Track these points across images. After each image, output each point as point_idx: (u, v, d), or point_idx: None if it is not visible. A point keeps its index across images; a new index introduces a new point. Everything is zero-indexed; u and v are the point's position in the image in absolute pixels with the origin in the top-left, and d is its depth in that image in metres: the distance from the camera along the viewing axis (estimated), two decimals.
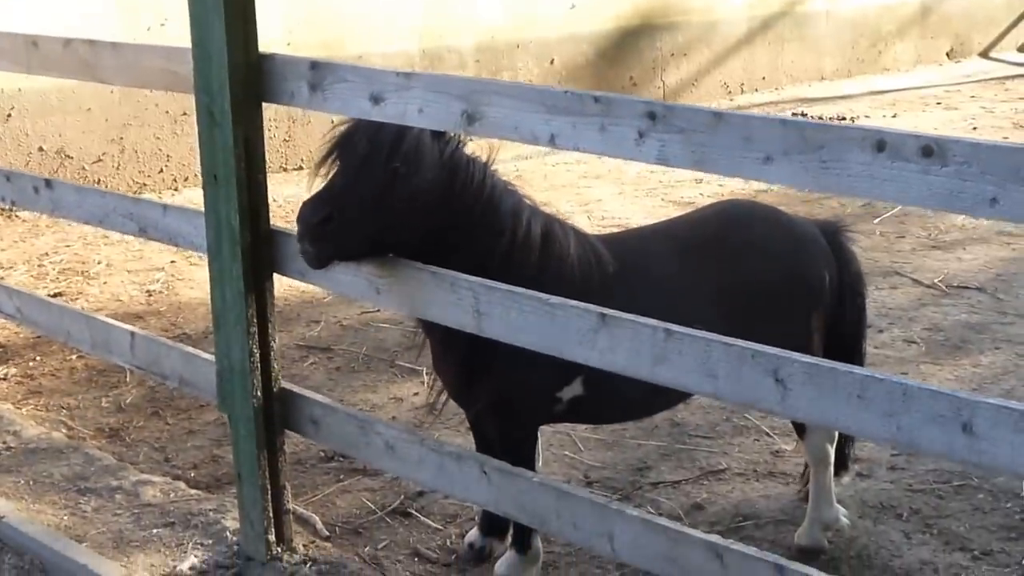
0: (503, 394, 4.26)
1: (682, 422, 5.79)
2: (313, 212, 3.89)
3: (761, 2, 14.84)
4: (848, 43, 15.99)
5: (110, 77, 5.02)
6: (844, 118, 13.21)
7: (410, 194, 3.90)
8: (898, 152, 2.86)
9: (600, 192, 10.27)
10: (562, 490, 3.82)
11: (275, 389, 4.43)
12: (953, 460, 3.38)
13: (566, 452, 5.54)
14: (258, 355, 4.35)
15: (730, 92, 14.59)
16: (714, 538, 3.52)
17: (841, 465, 4.91)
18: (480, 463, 4.01)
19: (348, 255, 3.98)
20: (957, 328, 7.00)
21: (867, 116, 13.28)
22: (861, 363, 4.77)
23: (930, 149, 2.78)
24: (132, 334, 5.03)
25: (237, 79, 4.12)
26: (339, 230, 3.88)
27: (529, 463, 4.32)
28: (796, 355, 3.17)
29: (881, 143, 2.88)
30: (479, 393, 4.31)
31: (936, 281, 7.80)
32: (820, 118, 13.13)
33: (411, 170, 3.90)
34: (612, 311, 3.49)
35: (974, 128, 12.58)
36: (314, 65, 4.05)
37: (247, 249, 4.24)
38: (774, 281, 4.46)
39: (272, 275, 4.36)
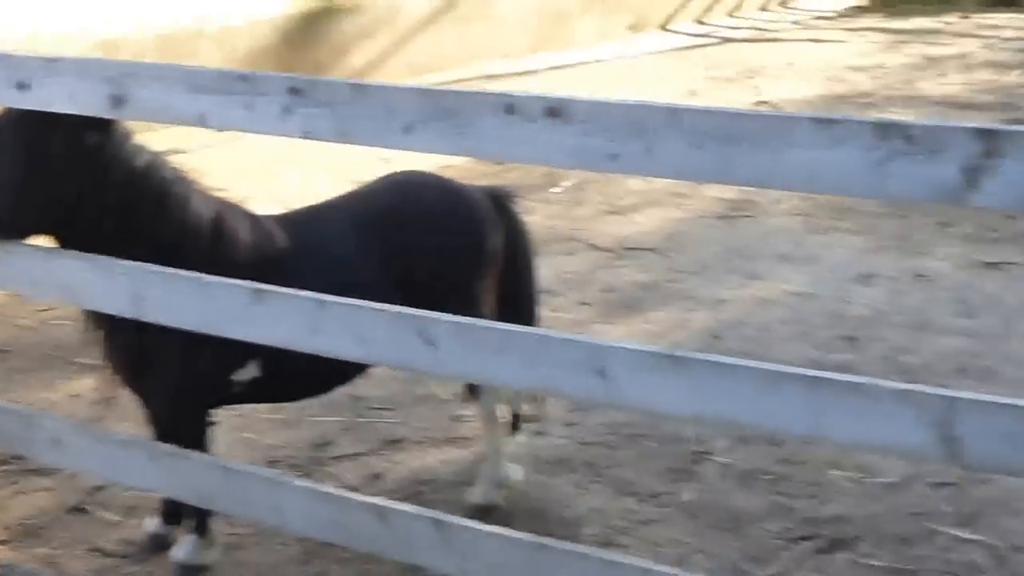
0: (174, 380, 4.26)
1: (363, 395, 5.87)
2: None
3: None
4: (532, 20, 16.31)
5: None
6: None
7: (13, 181, 3.85)
8: (526, 114, 2.97)
9: (290, 175, 10.24)
10: (229, 467, 3.86)
11: None
12: (594, 403, 3.55)
13: (246, 434, 5.55)
14: None
15: (417, 72, 14.72)
16: (377, 500, 3.62)
17: (515, 424, 5.06)
18: (147, 448, 4.01)
19: None
20: (630, 288, 7.30)
21: (549, 91, 13.58)
22: (536, 324, 4.93)
23: (555, 109, 2.90)
24: None
25: None
26: None
27: (202, 447, 4.33)
28: (442, 315, 3.27)
29: (510, 106, 2.98)
30: (151, 380, 4.30)
31: (612, 244, 8.10)
32: None
33: (23, 159, 3.86)
34: (266, 286, 3.53)
35: (653, 97, 13.02)
36: None
37: None
38: (443, 249, 4.55)
39: None
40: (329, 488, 3.75)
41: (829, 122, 2.58)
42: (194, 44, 12.50)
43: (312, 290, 3.54)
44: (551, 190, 9.32)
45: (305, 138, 3.36)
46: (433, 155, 3.21)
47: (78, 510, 5.03)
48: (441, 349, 3.25)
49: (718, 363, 2.87)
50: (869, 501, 4.86)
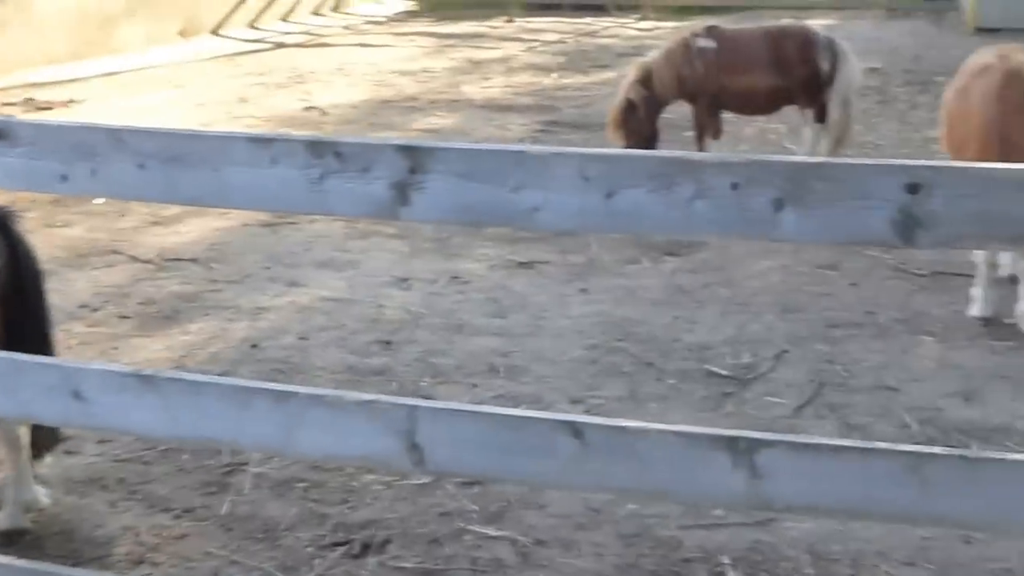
0: None
1: None
2: None
3: None
4: (75, 26, 15.91)
5: None
6: (73, 101, 13.18)
7: None
8: None
9: None
10: None
11: None
12: (72, 426, 3.54)
13: None
14: None
15: None
16: None
17: (42, 445, 4.93)
18: None
19: None
20: (170, 300, 7.25)
21: (94, 98, 13.31)
22: (51, 345, 4.82)
23: (1, 132, 2.87)
24: None
25: None
26: None
27: None
28: None
29: None
30: None
31: (153, 256, 8.02)
32: (49, 103, 13.04)
33: None
34: None
35: (200, 105, 12.95)
36: None
37: None
38: None
39: None
40: None
41: (265, 141, 2.67)
42: None
43: None
44: (94, 201, 9.12)
45: None
46: None
47: None
48: None
49: (188, 381, 2.92)
50: (400, 503, 4.99)
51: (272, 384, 2.89)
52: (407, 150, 2.56)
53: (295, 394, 2.82)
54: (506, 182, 2.52)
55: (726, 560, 4.56)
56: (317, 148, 2.61)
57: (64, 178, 2.83)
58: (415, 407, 2.75)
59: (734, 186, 2.40)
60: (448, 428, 2.73)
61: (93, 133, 2.79)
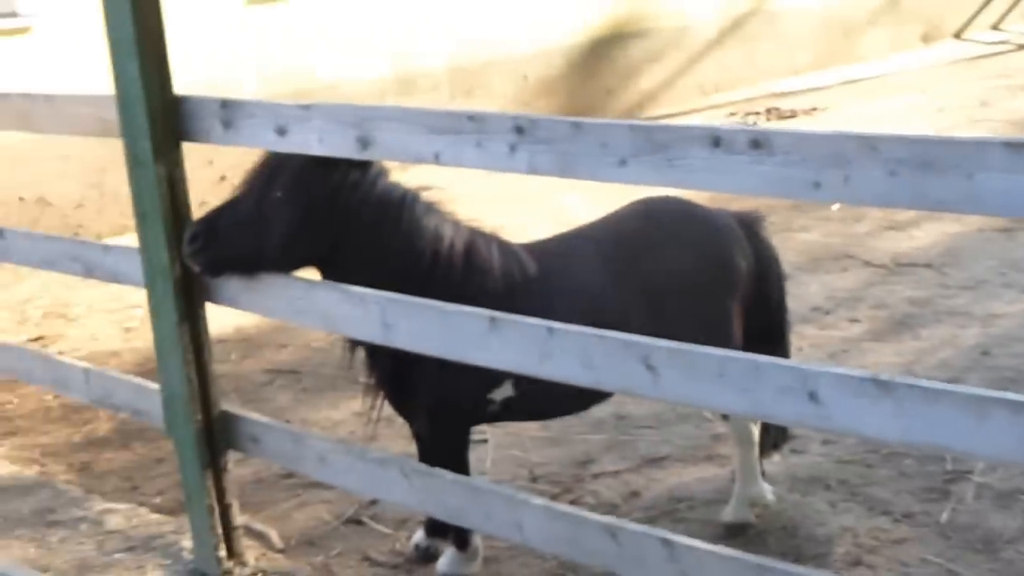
0: (435, 400, 4.48)
1: (627, 415, 6.02)
2: (189, 228, 4.28)
3: (730, 3, 15.08)
4: (820, 36, 16.22)
5: (45, 126, 5.25)
6: (816, 109, 13.44)
7: (287, 219, 4.14)
8: (731, 146, 3.06)
9: (570, 200, 10.44)
10: (474, 485, 4.05)
11: (215, 412, 4.65)
12: (805, 427, 3.61)
13: (513, 452, 5.76)
14: (196, 381, 4.57)
15: (705, 93, 14.82)
16: (608, 519, 3.73)
17: (770, 443, 5.11)
18: (402, 466, 4.23)
19: (226, 268, 4.32)
20: (901, 305, 7.23)
21: (836, 106, 13.49)
22: (786, 347, 4.97)
23: (758, 141, 3.00)
24: (85, 371, 5.27)
25: (156, 121, 4.32)
26: (207, 246, 4.24)
27: (464, 463, 4.55)
28: (663, 341, 3.37)
29: (717, 139, 3.09)
30: (410, 400, 4.53)
31: (887, 261, 8.03)
32: (792, 112, 13.39)
33: (288, 198, 4.16)
34: (500, 314, 3.70)
35: (940, 109, 12.78)
36: (224, 104, 4.26)
37: (178, 282, 4.45)
38: (693, 272, 4.61)
39: (204, 304, 4.58)
40: (564, 507, 3.91)
41: (1022, 146, 2.59)
42: (484, 74, 12.90)
43: (560, 316, 3.70)
44: (832, 207, 9.28)
45: (530, 174, 3.51)
46: None
47: (354, 522, 5.34)
48: (661, 375, 3.35)
49: (924, 388, 2.88)
50: None
51: (1011, 394, 2.81)
52: None
53: None
54: None
55: None
56: None
57: (817, 185, 2.91)
58: None
59: None
60: None
61: (846, 141, 2.86)
